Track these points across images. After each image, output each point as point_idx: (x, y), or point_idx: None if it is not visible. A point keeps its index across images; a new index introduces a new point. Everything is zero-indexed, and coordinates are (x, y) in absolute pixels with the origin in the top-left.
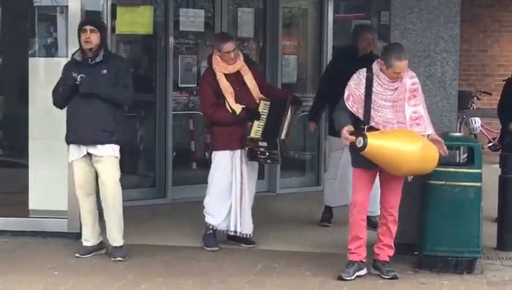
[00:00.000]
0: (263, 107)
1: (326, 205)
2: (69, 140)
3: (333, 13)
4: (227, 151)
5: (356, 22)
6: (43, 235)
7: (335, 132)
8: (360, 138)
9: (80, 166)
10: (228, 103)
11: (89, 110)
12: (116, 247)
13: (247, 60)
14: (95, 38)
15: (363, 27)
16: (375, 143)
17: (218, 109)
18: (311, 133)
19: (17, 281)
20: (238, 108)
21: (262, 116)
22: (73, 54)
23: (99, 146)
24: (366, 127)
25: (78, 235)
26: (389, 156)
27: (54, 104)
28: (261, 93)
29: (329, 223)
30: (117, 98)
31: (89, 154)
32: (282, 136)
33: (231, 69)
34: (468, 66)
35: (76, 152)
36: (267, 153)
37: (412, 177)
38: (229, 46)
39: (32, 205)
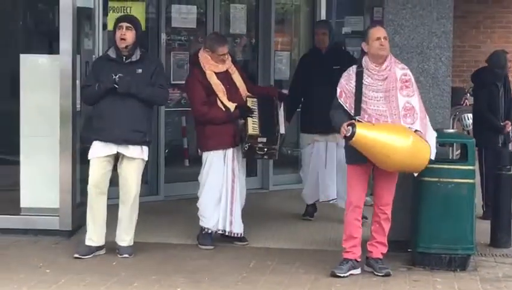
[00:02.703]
0: (251, 104)
1: (304, 202)
2: (98, 137)
3: (326, 9)
4: (220, 151)
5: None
6: (35, 232)
7: (304, 129)
8: (349, 127)
9: (100, 165)
10: (221, 101)
11: (124, 110)
12: (126, 246)
13: (233, 59)
14: (130, 36)
15: (316, 23)
16: (363, 133)
17: (211, 107)
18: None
19: (8, 279)
20: (232, 106)
21: (254, 112)
22: (107, 51)
23: (130, 146)
24: (357, 118)
25: (69, 233)
26: (376, 147)
27: (84, 101)
28: (247, 91)
29: (311, 217)
30: (155, 98)
31: (115, 154)
32: (282, 131)
33: (221, 68)
34: (461, 62)
35: (101, 150)
36: (266, 149)
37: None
38: (224, 49)
39: (23, 203)
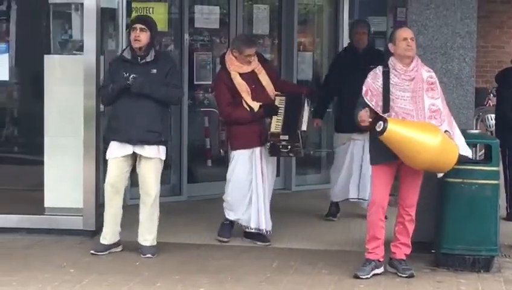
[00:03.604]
0: (279, 102)
1: (331, 200)
2: (115, 138)
3: (348, 9)
4: (246, 150)
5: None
6: (58, 232)
7: (340, 129)
8: (381, 122)
9: (117, 165)
10: (245, 101)
11: (138, 110)
12: (148, 246)
13: (261, 59)
14: (144, 37)
15: (354, 22)
16: (394, 128)
17: (235, 107)
18: (317, 130)
19: (32, 278)
20: (255, 105)
21: (279, 111)
22: (122, 52)
23: (146, 146)
24: (386, 114)
25: (93, 233)
26: (407, 143)
27: (102, 102)
28: (276, 90)
29: (334, 218)
30: (169, 98)
31: (133, 154)
32: (303, 128)
33: (246, 68)
34: (485, 63)
35: (118, 150)
36: (289, 147)
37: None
38: (251, 50)
39: (47, 203)
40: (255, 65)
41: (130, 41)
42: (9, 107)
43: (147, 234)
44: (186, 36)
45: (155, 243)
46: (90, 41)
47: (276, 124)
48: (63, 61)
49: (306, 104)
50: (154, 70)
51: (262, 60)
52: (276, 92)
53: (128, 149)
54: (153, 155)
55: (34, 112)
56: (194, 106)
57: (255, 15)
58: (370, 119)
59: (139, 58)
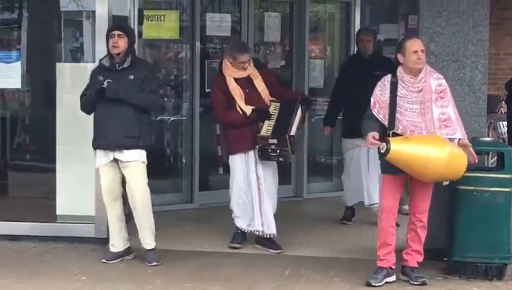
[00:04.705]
0: (273, 108)
1: (345, 205)
2: (96, 145)
3: (360, 17)
4: (241, 154)
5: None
6: (70, 240)
7: (347, 134)
8: (384, 144)
9: (106, 171)
10: (238, 105)
11: (115, 116)
12: (149, 251)
13: (257, 64)
14: (122, 43)
15: (359, 31)
16: (397, 148)
17: (229, 111)
18: (329, 137)
19: (44, 286)
20: (248, 109)
21: (272, 116)
22: (101, 59)
23: (125, 151)
24: (391, 132)
25: (105, 241)
26: (413, 161)
27: (81, 109)
28: (273, 96)
29: (349, 222)
30: (145, 103)
31: (116, 160)
32: (291, 133)
33: (241, 74)
34: (497, 70)
35: (103, 157)
36: (278, 151)
37: (447, 181)
38: (244, 57)
39: (59, 210)
40: (251, 70)
41: (108, 49)
42: (21, 115)
43: (146, 238)
44: (198, 44)
45: (153, 246)
46: (102, 49)
47: (267, 128)
48: (75, 69)
49: (299, 110)
50: (131, 77)
51: (260, 65)
52: (272, 98)
53: (109, 156)
54: (133, 159)
55: (46, 120)
56: (205, 114)
57: (266, 22)
58: (377, 143)
59: (117, 64)
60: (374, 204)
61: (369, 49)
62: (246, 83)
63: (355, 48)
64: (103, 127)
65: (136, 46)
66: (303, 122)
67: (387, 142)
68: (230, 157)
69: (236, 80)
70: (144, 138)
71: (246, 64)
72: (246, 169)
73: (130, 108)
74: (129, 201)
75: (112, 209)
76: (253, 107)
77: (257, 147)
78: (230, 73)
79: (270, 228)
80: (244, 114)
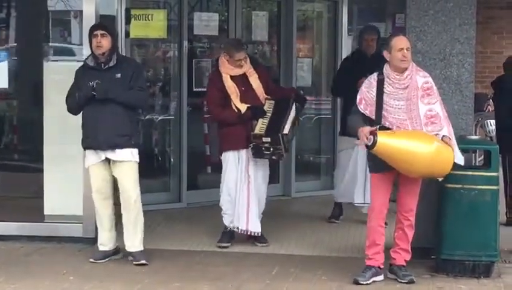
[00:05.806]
0: (268, 106)
1: (335, 201)
2: (86, 145)
3: (347, 16)
4: (234, 152)
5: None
6: (58, 240)
7: (345, 132)
8: (371, 136)
9: (97, 171)
10: (233, 103)
11: (106, 115)
12: (137, 251)
13: (254, 62)
14: (106, 42)
15: (364, 29)
16: (384, 141)
17: (224, 108)
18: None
19: (32, 286)
20: (243, 107)
21: (267, 114)
22: (86, 59)
23: (117, 151)
24: (378, 126)
25: (93, 240)
26: (399, 155)
27: (69, 110)
28: (268, 94)
29: (337, 220)
30: (134, 101)
31: (107, 160)
32: (285, 131)
33: (237, 71)
34: (483, 68)
35: (93, 157)
36: (272, 149)
37: (442, 178)
38: (240, 54)
39: (47, 210)
40: (247, 68)
41: (91, 49)
42: (8, 115)
43: (132, 239)
44: (186, 43)
45: (142, 248)
46: (89, 48)
47: (261, 126)
48: (63, 68)
49: (293, 109)
50: (119, 75)
51: (255, 63)
52: (267, 96)
53: (101, 155)
54: (126, 158)
55: (34, 119)
56: (193, 113)
57: (253, 22)
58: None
59: (103, 64)
60: (366, 203)
61: (373, 49)
62: (241, 81)
63: (342, 47)
64: (93, 127)
65: (123, 45)
66: (298, 121)
67: (374, 135)
68: (223, 154)
69: (232, 77)
70: (135, 136)
71: (242, 62)
72: (237, 167)
73: (120, 107)
74: (121, 200)
75: (102, 208)
76: (248, 105)
77: (251, 145)
78: (227, 70)
79: (255, 226)
80: (239, 112)
